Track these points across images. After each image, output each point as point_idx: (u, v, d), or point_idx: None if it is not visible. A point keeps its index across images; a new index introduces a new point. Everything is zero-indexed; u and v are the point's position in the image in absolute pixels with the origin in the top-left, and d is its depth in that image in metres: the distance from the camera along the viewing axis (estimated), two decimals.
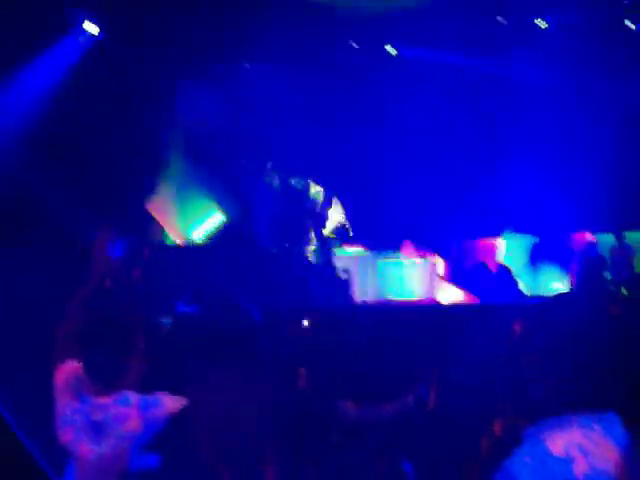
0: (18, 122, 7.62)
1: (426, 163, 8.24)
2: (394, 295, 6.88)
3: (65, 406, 2.85)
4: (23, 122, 7.64)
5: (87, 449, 2.79)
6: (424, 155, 8.27)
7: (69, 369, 2.92)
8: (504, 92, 8.47)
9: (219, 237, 8.27)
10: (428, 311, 4.77)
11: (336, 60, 8.83)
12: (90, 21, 8.39)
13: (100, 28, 8.46)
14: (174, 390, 2.85)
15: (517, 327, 3.40)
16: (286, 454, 2.76)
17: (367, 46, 8.83)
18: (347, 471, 3.02)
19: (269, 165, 7.90)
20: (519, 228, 8.22)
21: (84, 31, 8.41)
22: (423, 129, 8.35)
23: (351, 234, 7.63)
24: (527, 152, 8.24)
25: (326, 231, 7.14)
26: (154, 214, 8.46)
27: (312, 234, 6.98)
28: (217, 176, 8.60)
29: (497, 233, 8.12)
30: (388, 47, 8.82)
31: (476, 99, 8.49)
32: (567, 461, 1.86)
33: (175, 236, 8.49)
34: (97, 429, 2.82)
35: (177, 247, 8.08)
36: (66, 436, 2.81)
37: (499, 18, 8.11)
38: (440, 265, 7.53)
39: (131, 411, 2.81)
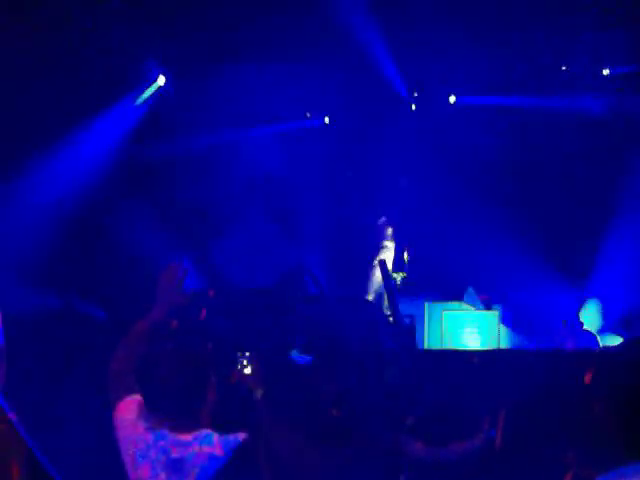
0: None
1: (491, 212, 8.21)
2: (458, 345, 6.83)
3: (138, 441, 2.78)
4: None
5: None
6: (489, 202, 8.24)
7: (137, 403, 2.86)
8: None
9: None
10: (494, 356, 4.74)
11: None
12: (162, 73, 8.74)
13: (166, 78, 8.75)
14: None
15: (590, 372, 3.35)
16: None
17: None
18: None
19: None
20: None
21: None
22: (485, 174, 8.34)
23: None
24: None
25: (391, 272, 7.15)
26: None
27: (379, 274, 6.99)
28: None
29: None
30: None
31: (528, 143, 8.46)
32: None
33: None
34: (177, 467, 2.75)
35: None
36: (143, 472, 2.74)
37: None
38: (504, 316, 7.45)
39: (214, 450, 2.74)
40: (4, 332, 3.15)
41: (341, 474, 2.65)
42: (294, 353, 2.82)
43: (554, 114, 8.27)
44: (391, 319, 5.38)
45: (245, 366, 3.54)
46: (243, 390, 3.65)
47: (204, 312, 5.64)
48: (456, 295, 7.57)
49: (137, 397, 2.87)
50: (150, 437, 2.76)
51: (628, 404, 1.95)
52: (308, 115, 9.29)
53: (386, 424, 3.09)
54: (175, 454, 2.74)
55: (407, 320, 6.38)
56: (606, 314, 7.84)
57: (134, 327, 2.96)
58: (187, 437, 2.76)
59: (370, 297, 7.03)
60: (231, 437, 2.77)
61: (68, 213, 7.30)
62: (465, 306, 7.37)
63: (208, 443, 2.74)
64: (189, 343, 2.95)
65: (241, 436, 2.77)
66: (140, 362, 2.84)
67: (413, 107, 8.84)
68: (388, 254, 8.03)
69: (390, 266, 7.23)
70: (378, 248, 8.04)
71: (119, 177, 7.93)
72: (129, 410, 2.84)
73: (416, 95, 8.84)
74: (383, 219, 8.23)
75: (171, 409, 2.81)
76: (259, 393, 3.55)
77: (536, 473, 3.22)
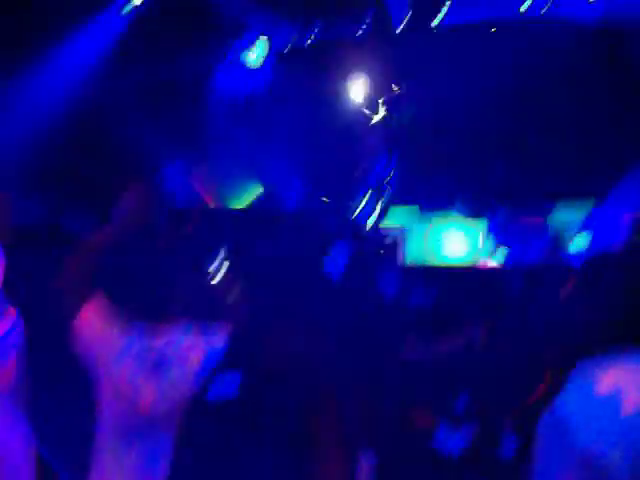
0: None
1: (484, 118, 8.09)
2: (444, 258, 6.92)
3: (112, 346, 2.65)
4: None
5: (150, 389, 2.60)
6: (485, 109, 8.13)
7: (98, 308, 2.74)
8: None
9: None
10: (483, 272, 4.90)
11: None
12: None
13: None
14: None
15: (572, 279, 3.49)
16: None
17: None
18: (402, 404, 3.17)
19: None
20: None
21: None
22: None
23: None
24: None
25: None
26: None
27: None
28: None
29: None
30: None
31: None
32: (615, 396, 1.87)
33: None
34: (157, 364, 2.62)
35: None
36: (120, 378, 2.62)
37: None
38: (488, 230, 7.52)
39: (195, 339, 2.63)
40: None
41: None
42: None
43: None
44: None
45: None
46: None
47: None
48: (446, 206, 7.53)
49: (96, 302, 2.74)
50: (125, 338, 2.66)
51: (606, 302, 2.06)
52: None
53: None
54: (155, 354, 2.62)
55: (395, 233, 6.47)
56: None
57: (89, 239, 2.90)
58: (165, 334, 2.65)
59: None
60: (209, 325, 2.65)
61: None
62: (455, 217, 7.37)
63: (187, 332, 2.64)
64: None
65: (220, 324, 2.67)
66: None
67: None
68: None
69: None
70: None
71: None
72: (94, 317, 2.73)
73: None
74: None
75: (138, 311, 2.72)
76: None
77: (516, 374, 3.37)
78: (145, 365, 2.60)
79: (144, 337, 2.64)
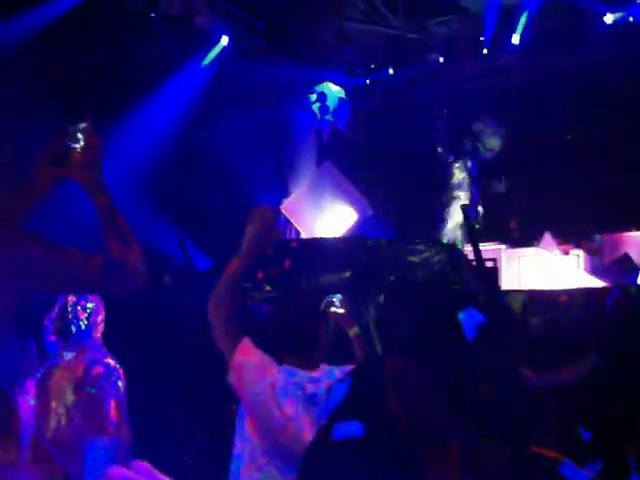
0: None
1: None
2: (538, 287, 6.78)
3: (274, 381, 2.77)
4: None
5: (306, 422, 2.72)
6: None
7: (252, 346, 2.83)
8: None
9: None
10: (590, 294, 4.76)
11: None
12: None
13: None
14: None
15: None
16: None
17: None
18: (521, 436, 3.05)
19: None
20: None
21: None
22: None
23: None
24: None
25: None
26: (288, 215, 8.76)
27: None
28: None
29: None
30: None
31: None
32: None
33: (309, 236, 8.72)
34: (312, 402, 2.75)
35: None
36: (288, 410, 2.74)
37: None
38: (583, 259, 7.37)
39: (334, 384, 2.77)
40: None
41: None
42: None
43: None
44: (474, 263, 5.39)
45: (337, 307, 3.60)
46: (339, 329, 3.74)
47: (287, 263, 5.75)
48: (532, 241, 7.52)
49: (248, 341, 2.84)
50: (283, 376, 2.77)
51: None
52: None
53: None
54: (309, 390, 2.77)
55: (489, 264, 6.38)
56: None
57: (226, 271, 2.89)
58: (316, 373, 2.81)
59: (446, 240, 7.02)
60: (349, 369, 2.65)
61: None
62: (542, 251, 7.32)
63: (332, 377, 2.77)
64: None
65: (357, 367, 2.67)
66: (242, 314, 2.84)
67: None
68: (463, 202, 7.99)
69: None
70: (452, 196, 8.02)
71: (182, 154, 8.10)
72: (248, 354, 2.81)
73: None
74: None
75: (289, 351, 2.85)
76: (353, 332, 3.62)
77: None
78: (299, 400, 2.75)
79: (300, 374, 2.79)
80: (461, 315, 2.99)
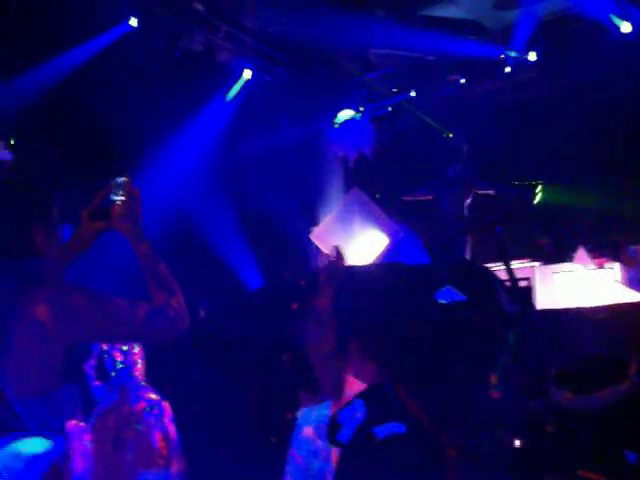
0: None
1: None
2: (573, 304, 6.71)
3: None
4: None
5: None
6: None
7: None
8: None
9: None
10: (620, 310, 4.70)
11: None
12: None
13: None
14: None
15: None
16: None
17: None
18: (564, 459, 3.04)
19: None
20: None
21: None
22: None
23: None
24: None
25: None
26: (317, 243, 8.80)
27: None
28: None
29: None
30: None
31: None
32: None
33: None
34: None
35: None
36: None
37: None
38: (619, 272, 7.27)
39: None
40: None
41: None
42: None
43: None
44: (508, 283, 5.37)
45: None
46: None
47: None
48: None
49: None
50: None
51: None
52: None
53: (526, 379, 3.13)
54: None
55: (523, 283, 6.35)
56: None
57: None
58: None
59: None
60: None
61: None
62: (576, 267, 7.24)
63: None
64: None
65: None
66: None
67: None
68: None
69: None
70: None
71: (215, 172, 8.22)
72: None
73: None
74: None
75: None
76: None
77: None
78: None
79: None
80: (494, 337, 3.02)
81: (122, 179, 2.16)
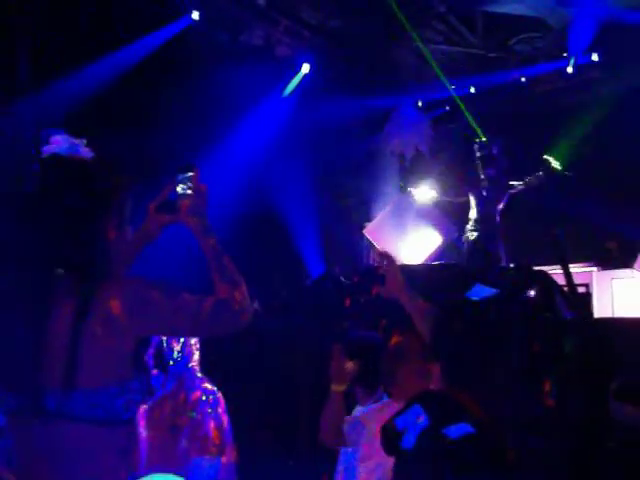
0: None
1: None
2: (633, 313, 6.58)
3: None
4: None
5: None
6: None
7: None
8: None
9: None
10: None
11: None
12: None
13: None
14: None
15: None
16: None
17: None
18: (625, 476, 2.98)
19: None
20: None
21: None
22: None
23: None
24: None
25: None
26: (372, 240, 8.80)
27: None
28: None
29: None
30: None
31: None
32: None
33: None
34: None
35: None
36: None
37: None
38: None
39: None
40: None
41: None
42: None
43: None
44: (566, 289, 5.27)
45: None
46: None
47: (375, 290, 5.78)
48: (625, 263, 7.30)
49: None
50: None
51: None
52: None
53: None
54: None
55: (581, 289, 6.24)
56: None
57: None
58: None
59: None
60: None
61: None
62: (636, 273, 7.08)
63: None
64: None
65: None
66: None
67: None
68: None
69: None
70: None
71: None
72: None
73: None
74: None
75: None
76: None
77: None
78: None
79: None
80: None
81: (189, 173, 2.18)
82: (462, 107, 9.02)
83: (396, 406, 2.82)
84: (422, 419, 2.34)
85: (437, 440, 2.20)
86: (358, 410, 3.50)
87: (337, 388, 3.26)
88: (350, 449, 3.33)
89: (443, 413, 2.30)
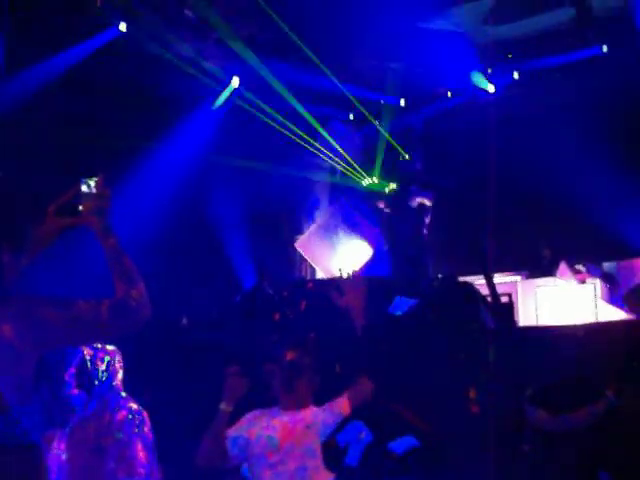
0: None
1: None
2: (555, 321, 6.77)
3: None
4: None
5: None
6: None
7: None
8: None
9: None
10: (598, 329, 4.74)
11: None
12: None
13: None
14: None
15: None
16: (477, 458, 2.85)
17: None
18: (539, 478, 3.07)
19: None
20: None
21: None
22: None
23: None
24: None
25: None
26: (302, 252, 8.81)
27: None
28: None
29: None
30: None
31: None
32: None
33: (324, 273, 8.77)
34: None
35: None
36: None
37: None
38: (600, 288, 7.33)
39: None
40: None
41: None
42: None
43: None
44: (489, 299, 5.39)
45: None
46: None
47: (303, 304, 5.80)
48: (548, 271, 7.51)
49: None
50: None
51: None
52: None
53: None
54: None
55: (504, 299, 6.38)
56: None
57: None
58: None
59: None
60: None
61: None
62: (559, 281, 7.30)
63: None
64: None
65: None
66: None
67: None
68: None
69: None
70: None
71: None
72: None
73: None
74: None
75: None
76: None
77: None
78: None
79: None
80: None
81: (94, 178, 2.23)
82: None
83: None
84: (364, 435, 2.35)
85: (383, 456, 2.21)
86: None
87: (227, 408, 3.36)
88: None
89: (386, 428, 2.32)
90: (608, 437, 3.15)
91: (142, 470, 3.37)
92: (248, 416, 3.48)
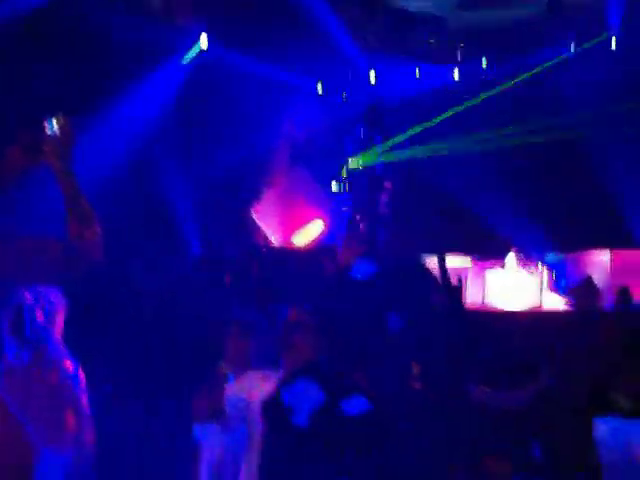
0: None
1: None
2: (501, 304, 6.92)
3: None
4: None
5: None
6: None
7: None
8: None
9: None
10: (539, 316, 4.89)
11: None
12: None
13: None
14: None
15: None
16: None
17: None
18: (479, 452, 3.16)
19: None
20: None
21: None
22: None
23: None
24: None
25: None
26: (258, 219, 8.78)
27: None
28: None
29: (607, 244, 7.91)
30: None
31: None
32: None
33: (278, 241, 8.77)
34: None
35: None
36: None
37: None
38: (547, 276, 7.51)
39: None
40: None
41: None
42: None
43: None
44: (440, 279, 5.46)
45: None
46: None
47: (255, 268, 5.79)
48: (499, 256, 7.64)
49: None
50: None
51: None
52: None
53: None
54: None
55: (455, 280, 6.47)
56: None
57: None
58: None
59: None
60: None
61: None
62: (508, 266, 7.44)
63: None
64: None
65: None
66: None
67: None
68: None
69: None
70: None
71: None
72: None
73: None
74: None
75: None
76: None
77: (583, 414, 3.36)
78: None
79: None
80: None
81: (56, 118, 2.24)
82: None
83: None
84: (314, 393, 2.17)
85: (335, 417, 2.08)
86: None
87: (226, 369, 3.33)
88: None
89: (337, 386, 2.18)
90: (542, 415, 3.29)
91: (68, 437, 3.18)
92: (250, 376, 3.32)
